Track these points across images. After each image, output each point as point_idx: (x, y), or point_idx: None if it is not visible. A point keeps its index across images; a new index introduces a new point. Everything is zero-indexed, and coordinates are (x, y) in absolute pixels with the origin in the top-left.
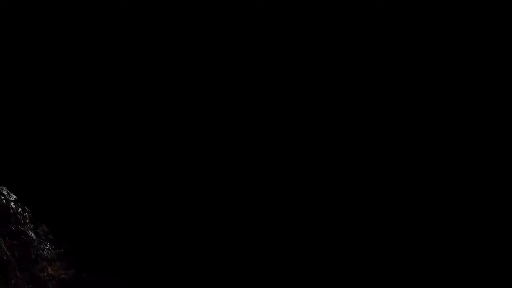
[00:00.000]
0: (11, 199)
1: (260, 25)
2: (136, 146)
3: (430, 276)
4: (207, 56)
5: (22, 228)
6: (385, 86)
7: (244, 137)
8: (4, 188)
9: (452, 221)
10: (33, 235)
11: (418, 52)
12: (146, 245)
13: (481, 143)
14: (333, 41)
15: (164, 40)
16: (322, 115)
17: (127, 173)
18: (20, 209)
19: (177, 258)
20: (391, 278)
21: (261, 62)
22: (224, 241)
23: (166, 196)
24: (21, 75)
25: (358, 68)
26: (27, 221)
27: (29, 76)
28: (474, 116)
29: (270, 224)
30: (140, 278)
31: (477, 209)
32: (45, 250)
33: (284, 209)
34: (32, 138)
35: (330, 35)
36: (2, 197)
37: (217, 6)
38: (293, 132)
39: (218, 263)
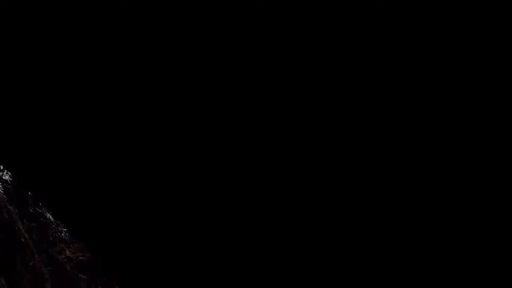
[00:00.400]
0: None
1: (260, 25)
2: (144, 143)
3: (430, 276)
4: (207, 56)
5: (40, 210)
6: (385, 86)
7: (244, 137)
8: None
9: (452, 221)
10: (51, 217)
11: (418, 52)
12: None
13: (481, 143)
14: (333, 41)
15: (164, 40)
16: (322, 115)
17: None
18: None
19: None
20: (391, 278)
21: (261, 62)
22: (224, 241)
23: (171, 193)
24: (23, 74)
25: (358, 68)
26: None
27: (31, 75)
28: (474, 116)
29: (270, 224)
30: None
31: (477, 209)
32: (63, 232)
33: (284, 209)
34: (48, 128)
35: (330, 35)
36: None
37: (217, 6)
38: (293, 132)
39: (218, 263)
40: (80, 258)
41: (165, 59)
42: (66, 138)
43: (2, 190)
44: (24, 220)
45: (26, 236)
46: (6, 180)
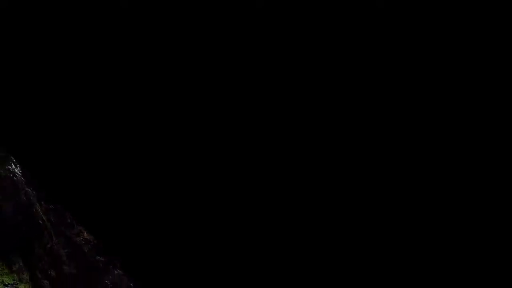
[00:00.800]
0: None
1: (260, 25)
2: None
3: (430, 276)
4: (207, 56)
5: None
6: (385, 85)
7: (244, 137)
8: None
9: (452, 221)
10: None
11: (418, 52)
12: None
13: (481, 143)
14: (333, 41)
15: (164, 40)
16: (322, 115)
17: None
18: None
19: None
20: (391, 278)
21: (261, 62)
22: (226, 241)
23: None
24: (23, 74)
25: (358, 68)
26: None
27: (32, 74)
28: (474, 116)
29: (271, 224)
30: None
31: (477, 209)
32: None
33: (284, 209)
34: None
35: (330, 35)
36: None
37: (217, 6)
38: (293, 132)
39: (220, 264)
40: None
41: (168, 60)
42: (73, 135)
43: (20, 172)
44: (42, 203)
45: (44, 218)
46: None
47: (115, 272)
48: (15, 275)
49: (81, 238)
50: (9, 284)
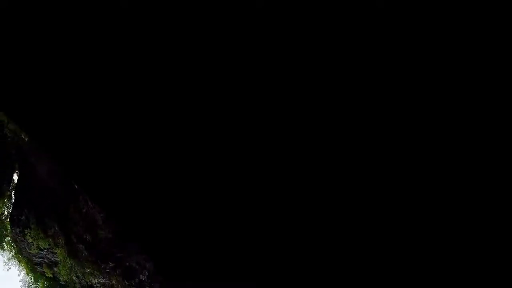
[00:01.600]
0: None
1: (260, 25)
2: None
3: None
4: (207, 56)
5: None
6: (385, 86)
7: (244, 137)
8: None
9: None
10: None
11: (418, 52)
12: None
13: (481, 143)
14: (333, 41)
15: (164, 40)
16: (322, 115)
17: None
18: None
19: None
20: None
21: (261, 62)
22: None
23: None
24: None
25: (358, 68)
26: None
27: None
28: (474, 116)
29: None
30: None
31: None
32: None
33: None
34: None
35: (330, 35)
36: None
37: (217, 6)
38: (293, 132)
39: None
40: None
41: (164, 59)
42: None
43: None
44: None
45: None
46: None
47: None
48: (50, 240)
49: None
50: (44, 248)
